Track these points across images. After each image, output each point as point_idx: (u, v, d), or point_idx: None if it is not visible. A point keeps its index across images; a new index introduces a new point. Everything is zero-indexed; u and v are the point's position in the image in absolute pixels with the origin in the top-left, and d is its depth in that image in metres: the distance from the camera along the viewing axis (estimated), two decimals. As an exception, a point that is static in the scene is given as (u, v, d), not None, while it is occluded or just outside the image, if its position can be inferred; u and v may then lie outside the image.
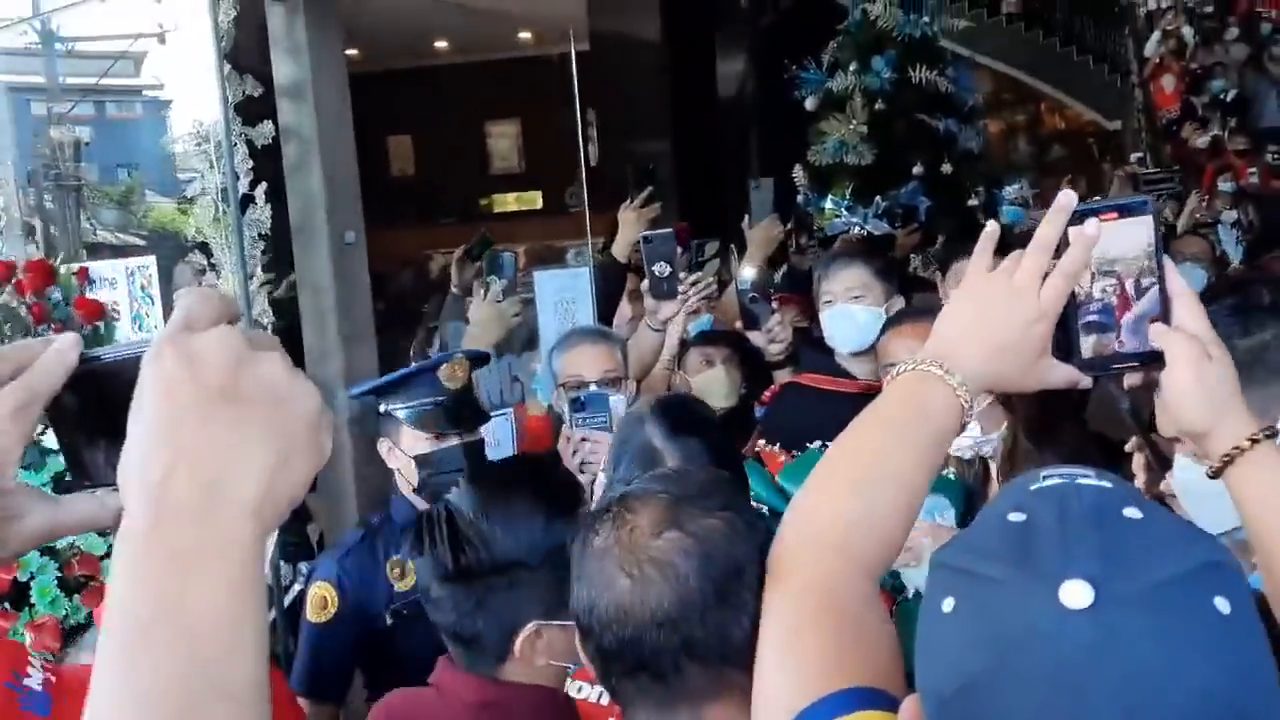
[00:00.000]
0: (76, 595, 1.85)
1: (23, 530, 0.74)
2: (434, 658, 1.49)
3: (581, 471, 2.20)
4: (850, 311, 2.76)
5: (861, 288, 2.77)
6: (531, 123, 11.13)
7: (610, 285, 3.50)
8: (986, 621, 0.71)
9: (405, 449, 2.36)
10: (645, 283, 2.79)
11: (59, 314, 3.13)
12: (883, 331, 2.58)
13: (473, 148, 11.31)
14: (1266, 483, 1.02)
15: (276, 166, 4.20)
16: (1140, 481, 1.47)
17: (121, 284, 3.27)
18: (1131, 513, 0.72)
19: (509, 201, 11.64)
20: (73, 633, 1.81)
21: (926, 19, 5.35)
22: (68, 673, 1.52)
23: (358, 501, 4.14)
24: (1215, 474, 1.04)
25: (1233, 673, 0.67)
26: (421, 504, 2.40)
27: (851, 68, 5.29)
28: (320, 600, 2.29)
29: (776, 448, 2.48)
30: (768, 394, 2.90)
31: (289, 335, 4.22)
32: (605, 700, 1.48)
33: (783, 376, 2.98)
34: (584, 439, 2.24)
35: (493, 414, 2.81)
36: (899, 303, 2.79)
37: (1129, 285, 1.05)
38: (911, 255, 4.85)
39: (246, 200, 3.40)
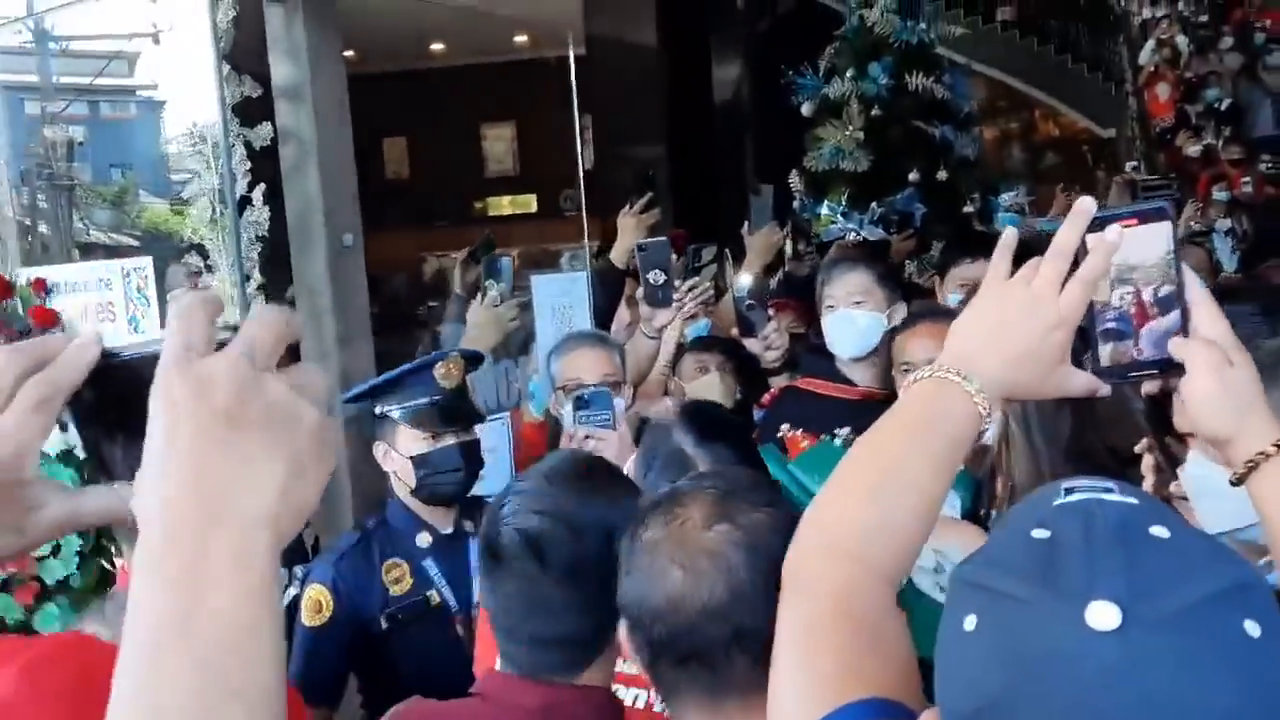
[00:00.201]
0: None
1: (41, 520, 0.77)
2: (428, 662, 1.45)
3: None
4: (852, 316, 2.76)
5: (863, 293, 2.77)
6: (527, 126, 11.11)
7: (608, 290, 3.49)
8: (1009, 641, 0.70)
9: (401, 450, 2.36)
10: (640, 290, 2.79)
11: (17, 324, 3.26)
12: (898, 332, 2.58)
13: (468, 151, 11.28)
14: None
15: (274, 168, 4.19)
16: (1149, 483, 1.45)
17: (117, 285, 3.25)
18: (1159, 531, 0.71)
19: (504, 205, 11.62)
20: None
21: (923, 26, 5.35)
22: None
23: (353, 505, 4.13)
24: (1238, 481, 1.02)
25: (1260, 698, 0.66)
26: (418, 506, 2.40)
27: (848, 74, 5.28)
28: (315, 604, 2.28)
29: (800, 432, 2.48)
30: (767, 397, 2.90)
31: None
32: (641, 705, 1.51)
33: (778, 383, 2.97)
34: (587, 436, 2.23)
35: (489, 419, 2.80)
36: (901, 308, 2.79)
37: (1147, 292, 1.04)
38: (907, 261, 4.85)
39: (244, 202, 3.38)
